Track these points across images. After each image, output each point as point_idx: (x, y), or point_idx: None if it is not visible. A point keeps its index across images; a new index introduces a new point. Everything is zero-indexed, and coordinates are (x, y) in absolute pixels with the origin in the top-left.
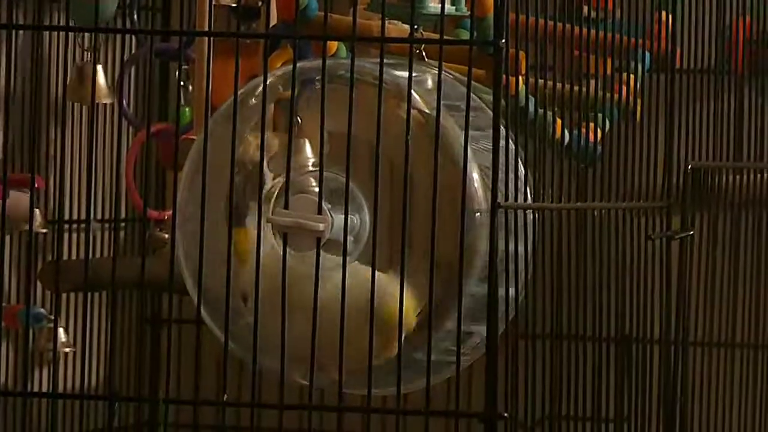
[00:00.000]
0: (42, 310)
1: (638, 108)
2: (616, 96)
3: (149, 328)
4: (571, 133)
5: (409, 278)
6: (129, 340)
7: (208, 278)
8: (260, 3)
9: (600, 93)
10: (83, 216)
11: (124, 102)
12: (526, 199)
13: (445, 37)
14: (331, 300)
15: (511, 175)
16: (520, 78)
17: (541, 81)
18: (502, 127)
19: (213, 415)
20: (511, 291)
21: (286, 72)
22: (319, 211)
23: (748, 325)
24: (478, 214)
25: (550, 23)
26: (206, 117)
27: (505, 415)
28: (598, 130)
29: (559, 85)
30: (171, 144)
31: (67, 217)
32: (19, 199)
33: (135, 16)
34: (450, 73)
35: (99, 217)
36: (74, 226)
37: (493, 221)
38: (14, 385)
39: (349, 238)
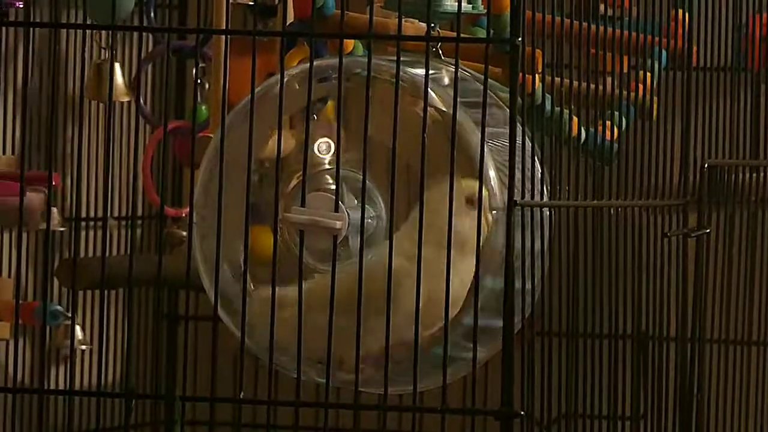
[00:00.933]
0: (59, 307)
1: (655, 106)
2: (632, 94)
3: (166, 326)
4: (587, 131)
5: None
6: (145, 337)
7: (225, 275)
8: (277, 1)
9: (616, 91)
10: (100, 214)
11: (141, 99)
12: (542, 196)
13: (461, 35)
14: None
15: (528, 173)
16: (537, 76)
17: (557, 79)
18: (518, 125)
19: (229, 412)
20: (528, 288)
21: (303, 70)
22: (336, 208)
23: (765, 323)
24: (495, 211)
25: (567, 21)
26: (223, 114)
27: (522, 412)
28: (615, 128)
29: (575, 83)
30: (188, 141)
31: (84, 214)
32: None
33: (152, 14)
34: (467, 71)
35: (116, 214)
36: (91, 223)
37: (509, 219)
38: (31, 382)
39: (364, 236)
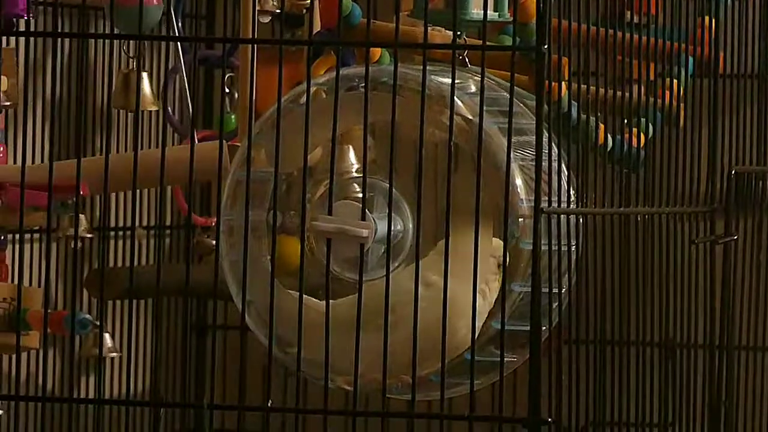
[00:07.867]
0: (88, 316)
1: (682, 113)
2: (659, 101)
3: (194, 335)
4: (614, 139)
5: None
6: (174, 346)
7: (252, 284)
8: (304, 10)
9: (643, 98)
10: (128, 223)
11: (169, 109)
12: (569, 204)
13: (488, 43)
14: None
15: (555, 180)
16: (563, 84)
17: (584, 86)
18: (545, 133)
19: (258, 420)
20: (555, 295)
21: (330, 79)
22: (363, 217)
23: None
24: (522, 219)
25: (593, 29)
26: (250, 124)
27: (549, 420)
28: (642, 136)
29: (602, 91)
30: None
31: (112, 224)
32: None
33: (179, 24)
34: (492, 79)
35: (144, 224)
36: (120, 233)
37: (536, 226)
38: (60, 391)
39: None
